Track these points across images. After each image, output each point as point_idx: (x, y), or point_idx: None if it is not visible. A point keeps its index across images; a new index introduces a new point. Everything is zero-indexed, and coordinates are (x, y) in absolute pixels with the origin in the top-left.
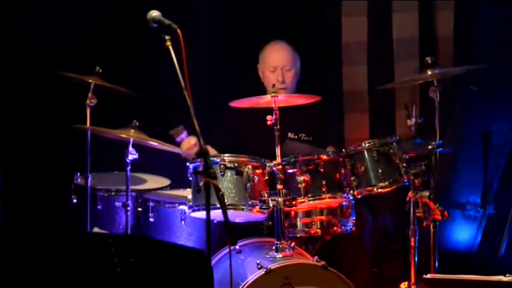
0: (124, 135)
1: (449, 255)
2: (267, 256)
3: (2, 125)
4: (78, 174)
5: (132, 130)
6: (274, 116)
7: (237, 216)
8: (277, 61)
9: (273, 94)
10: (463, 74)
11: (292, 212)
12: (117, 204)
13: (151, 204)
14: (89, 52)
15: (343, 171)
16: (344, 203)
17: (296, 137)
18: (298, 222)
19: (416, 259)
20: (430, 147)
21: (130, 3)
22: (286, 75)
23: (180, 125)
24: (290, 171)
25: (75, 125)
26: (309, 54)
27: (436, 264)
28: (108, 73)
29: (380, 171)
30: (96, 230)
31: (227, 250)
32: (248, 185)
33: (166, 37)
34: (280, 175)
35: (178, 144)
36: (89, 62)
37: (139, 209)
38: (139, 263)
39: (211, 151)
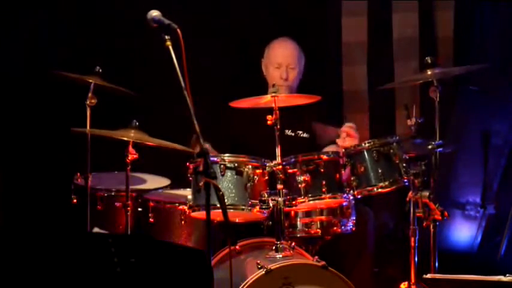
0: (125, 138)
1: (449, 255)
2: (267, 256)
3: (2, 125)
4: (78, 174)
5: (132, 130)
6: (274, 115)
7: (237, 216)
8: (282, 59)
9: (273, 94)
10: (463, 74)
11: (292, 212)
12: (117, 204)
13: (151, 204)
14: (89, 52)
15: (343, 171)
16: (344, 203)
17: (293, 134)
18: (298, 222)
19: (416, 259)
20: (430, 147)
21: (130, 3)
22: (290, 73)
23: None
24: (290, 171)
25: (75, 128)
26: (309, 54)
27: (436, 264)
28: (108, 73)
29: (380, 171)
30: (96, 230)
31: (227, 250)
32: (248, 185)
33: (166, 37)
34: (280, 175)
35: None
36: (89, 62)
37: (140, 209)
38: (139, 263)
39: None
